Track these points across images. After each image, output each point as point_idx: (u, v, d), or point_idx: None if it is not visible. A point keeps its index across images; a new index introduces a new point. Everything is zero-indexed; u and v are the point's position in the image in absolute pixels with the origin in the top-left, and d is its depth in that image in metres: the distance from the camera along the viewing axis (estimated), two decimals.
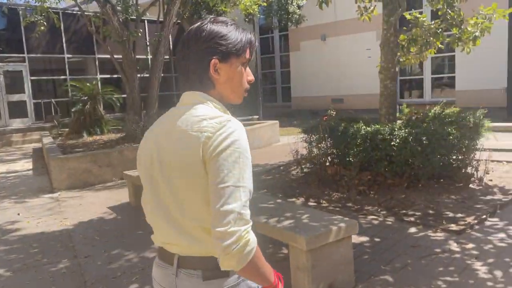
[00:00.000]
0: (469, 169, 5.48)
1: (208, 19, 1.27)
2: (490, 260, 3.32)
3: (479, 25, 6.14)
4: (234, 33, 1.25)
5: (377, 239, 3.94)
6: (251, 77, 1.31)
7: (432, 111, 6.14)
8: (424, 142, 4.82)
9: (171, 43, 16.77)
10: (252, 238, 1.10)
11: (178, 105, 1.28)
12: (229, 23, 1.26)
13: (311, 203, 5.20)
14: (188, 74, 1.25)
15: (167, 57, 14.99)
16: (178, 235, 1.21)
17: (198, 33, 1.23)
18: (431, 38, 6.59)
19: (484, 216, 4.27)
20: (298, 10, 16.59)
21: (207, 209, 1.13)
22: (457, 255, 3.45)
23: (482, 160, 5.56)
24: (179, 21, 14.13)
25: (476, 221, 4.15)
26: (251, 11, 12.59)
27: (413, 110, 6.46)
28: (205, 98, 1.24)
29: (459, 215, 4.41)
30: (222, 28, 1.24)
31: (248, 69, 1.31)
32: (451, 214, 4.45)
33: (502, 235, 3.81)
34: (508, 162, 6.57)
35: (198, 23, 1.25)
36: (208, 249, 1.18)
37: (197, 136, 1.14)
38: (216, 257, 1.14)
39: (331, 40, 17.75)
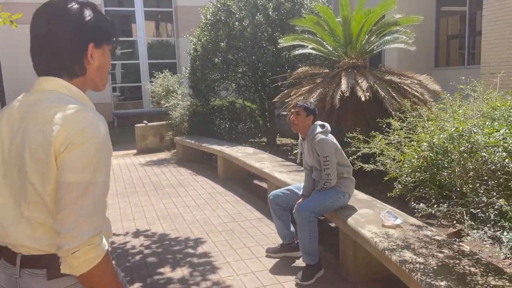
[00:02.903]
0: None
1: None
2: None
3: None
4: (104, 17, 1.18)
5: None
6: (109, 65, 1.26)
7: None
8: None
9: None
10: (100, 245, 1.03)
11: (32, 90, 1.16)
12: (96, 6, 1.18)
13: None
14: (60, 56, 1.13)
15: None
16: (23, 235, 1.10)
17: (68, 11, 1.12)
18: None
19: None
20: None
21: (53, 208, 1.06)
22: None
23: None
24: None
25: None
26: None
27: None
28: (64, 86, 1.14)
29: None
30: (94, 12, 1.15)
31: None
32: None
33: None
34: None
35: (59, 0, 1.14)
36: (51, 248, 1.07)
37: (48, 129, 1.04)
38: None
39: None
